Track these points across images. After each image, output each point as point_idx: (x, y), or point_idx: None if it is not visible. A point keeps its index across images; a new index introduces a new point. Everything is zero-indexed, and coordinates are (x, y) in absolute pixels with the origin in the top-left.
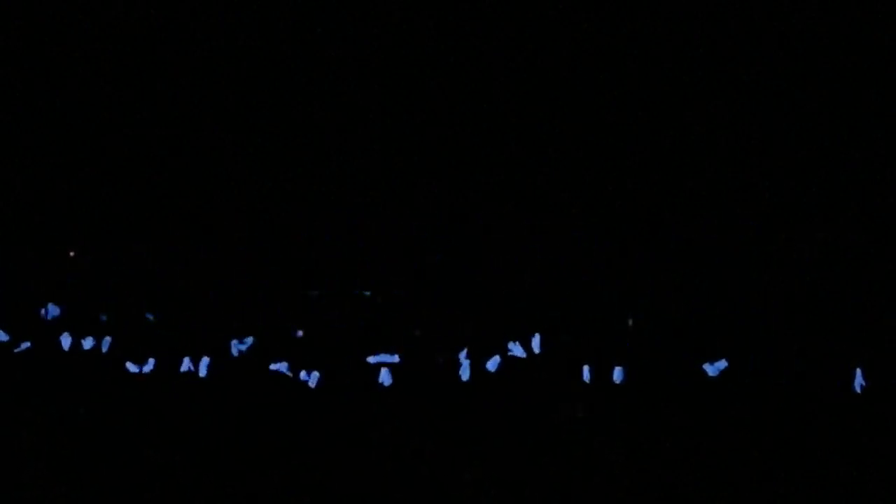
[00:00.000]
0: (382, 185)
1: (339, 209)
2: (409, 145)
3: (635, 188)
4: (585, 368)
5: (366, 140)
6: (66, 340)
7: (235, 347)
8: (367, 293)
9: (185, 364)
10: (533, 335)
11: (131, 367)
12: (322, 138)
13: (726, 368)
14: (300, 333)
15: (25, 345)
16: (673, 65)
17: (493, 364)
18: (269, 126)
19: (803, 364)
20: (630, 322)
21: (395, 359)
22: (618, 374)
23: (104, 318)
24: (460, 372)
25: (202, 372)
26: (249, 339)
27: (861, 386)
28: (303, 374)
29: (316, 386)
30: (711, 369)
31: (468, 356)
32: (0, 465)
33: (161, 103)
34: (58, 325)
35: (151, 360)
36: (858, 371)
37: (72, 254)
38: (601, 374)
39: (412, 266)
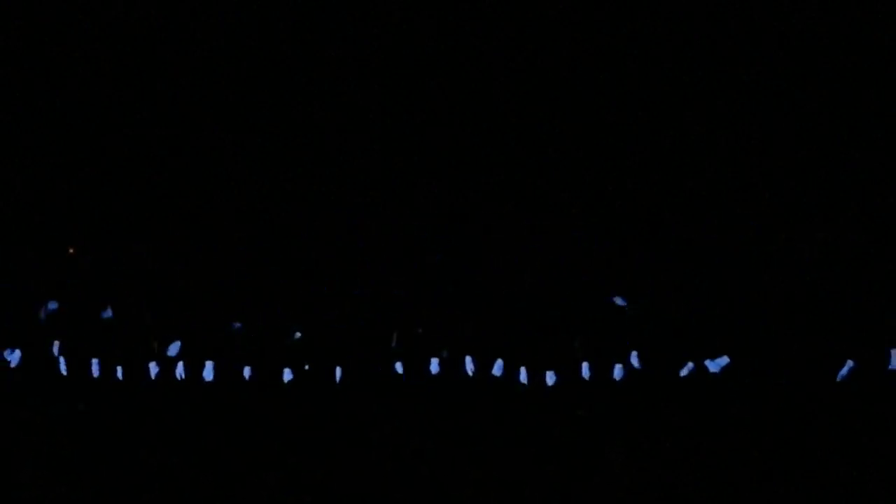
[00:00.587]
0: (382, 185)
1: (339, 209)
2: (409, 145)
3: (635, 188)
4: (585, 365)
5: (366, 140)
6: (63, 366)
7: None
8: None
9: (183, 365)
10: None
11: (130, 366)
12: (322, 138)
13: (728, 365)
14: (299, 334)
15: (16, 354)
16: (673, 65)
17: (497, 368)
18: (269, 126)
19: (804, 363)
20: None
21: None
22: (618, 372)
23: (107, 314)
24: (462, 370)
25: (203, 372)
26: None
27: (847, 372)
28: (288, 373)
29: (317, 384)
30: (713, 365)
31: (469, 355)
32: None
33: (161, 103)
34: (57, 325)
35: (151, 360)
36: (848, 363)
37: (71, 250)
38: (602, 372)
39: (412, 266)
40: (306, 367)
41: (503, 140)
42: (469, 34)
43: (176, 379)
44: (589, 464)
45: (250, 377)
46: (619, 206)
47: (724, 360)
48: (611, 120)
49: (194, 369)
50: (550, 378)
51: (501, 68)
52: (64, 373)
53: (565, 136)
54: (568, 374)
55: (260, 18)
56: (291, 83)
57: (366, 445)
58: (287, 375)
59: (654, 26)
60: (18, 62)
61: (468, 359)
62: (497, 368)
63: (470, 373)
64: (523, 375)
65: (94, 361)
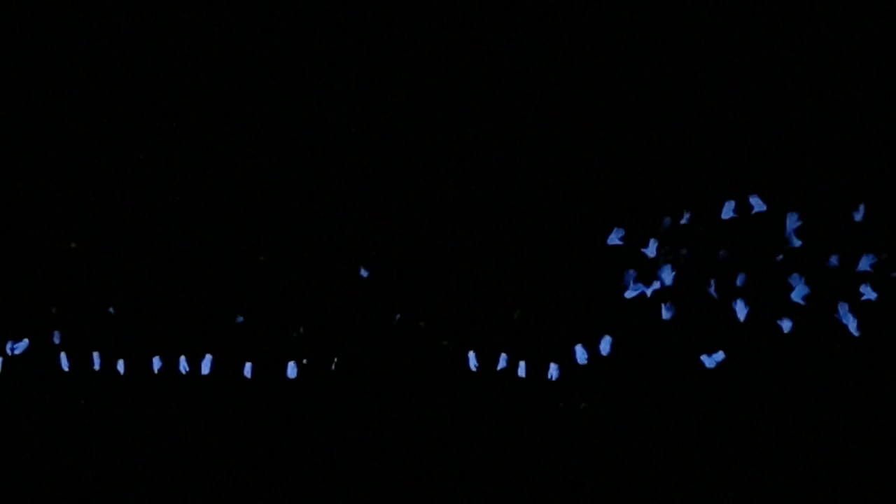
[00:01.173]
0: (382, 184)
1: (339, 207)
2: (409, 145)
3: (635, 187)
4: (579, 349)
5: (366, 140)
6: (64, 361)
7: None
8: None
9: (183, 363)
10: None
11: (130, 364)
12: (322, 138)
13: (724, 361)
14: (301, 329)
15: (24, 344)
16: (672, 66)
17: (502, 362)
18: (269, 126)
19: (801, 360)
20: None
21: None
22: (605, 346)
23: (109, 309)
24: (465, 365)
25: (203, 370)
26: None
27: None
28: (290, 369)
29: (316, 381)
30: (709, 361)
31: (470, 351)
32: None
33: (161, 103)
34: (59, 320)
35: (151, 358)
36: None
37: (73, 245)
38: (601, 369)
39: (412, 263)
40: (304, 361)
41: (503, 139)
42: (468, 35)
43: (174, 378)
44: (589, 461)
45: (252, 373)
46: (620, 205)
47: (721, 354)
48: (610, 120)
49: (196, 364)
50: (552, 374)
51: (500, 68)
52: (65, 368)
53: (565, 135)
54: (567, 369)
55: (260, 19)
56: (291, 82)
57: (366, 443)
58: (291, 372)
59: (653, 27)
60: (18, 61)
61: (471, 354)
62: (500, 363)
63: (473, 368)
64: (522, 370)
65: (96, 356)
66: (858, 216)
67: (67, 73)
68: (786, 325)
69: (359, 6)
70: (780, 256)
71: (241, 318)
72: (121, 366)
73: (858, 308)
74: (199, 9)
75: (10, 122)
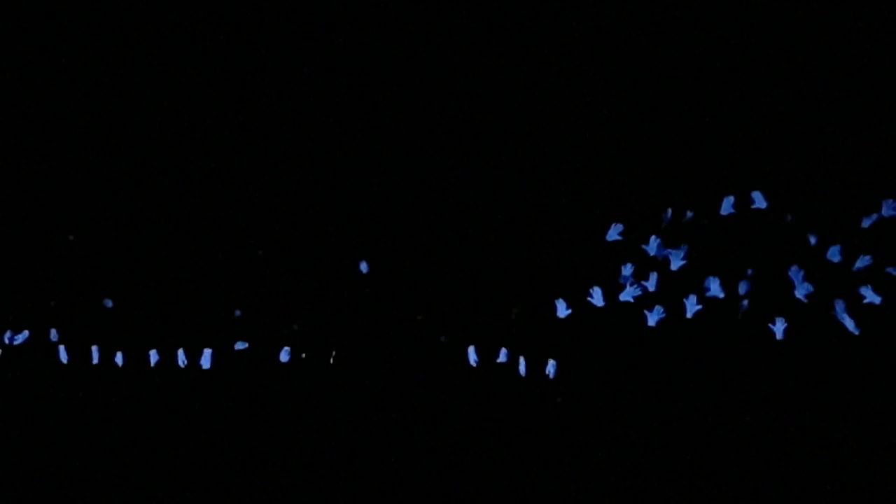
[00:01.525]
0: (383, 181)
1: (339, 203)
2: (408, 141)
3: (632, 184)
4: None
5: (366, 135)
6: (63, 354)
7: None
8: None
9: (181, 356)
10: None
11: (129, 359)
12: (322, 133)
13: (723, 356)
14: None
15: (23, 336)
16: (670, 67)
17: (503, 356)
18: (268, 119)
19: (799, 359)
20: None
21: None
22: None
23: (108, 303)
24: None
25: (204, 365)
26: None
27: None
28: (284, 356)
29: (314, 377)
30: (691, 304)
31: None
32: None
33: (158, 96)
34: (57, 313)
35: (151, 353)
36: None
37: (71, 237)
38: (599, 366)
39: (411, 260)
40: (303, 356)
41: (502, 137)
42: (469, 34)
43: (177, 367)
44: (586, 458)
45: (247, 361)
46: (619, 202)
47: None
48: (609, 118)
49: (194, 358)
50: (549, 371)
51: (500, 67)
52: (64, 360)
53: (564, 133)
54: (565, 367)
55: (260, 19)
56: (288, 77)
57: (364, 437)
58: (283, 356)
59: (653, 25)
60: (18, 59)
61: (470, 349)
62: (500, 357)
63: (473, 363)
64: (522, 368)
65: (94, 349)
66: (866, 221)
67: (66, 69)
68: (782, 323)
69: (359, 6)
70: (780, 254)
71: (238, 312)
72: (119, 359)
73: (856, 307)
74: (198, 7)
75: (9, 116)
